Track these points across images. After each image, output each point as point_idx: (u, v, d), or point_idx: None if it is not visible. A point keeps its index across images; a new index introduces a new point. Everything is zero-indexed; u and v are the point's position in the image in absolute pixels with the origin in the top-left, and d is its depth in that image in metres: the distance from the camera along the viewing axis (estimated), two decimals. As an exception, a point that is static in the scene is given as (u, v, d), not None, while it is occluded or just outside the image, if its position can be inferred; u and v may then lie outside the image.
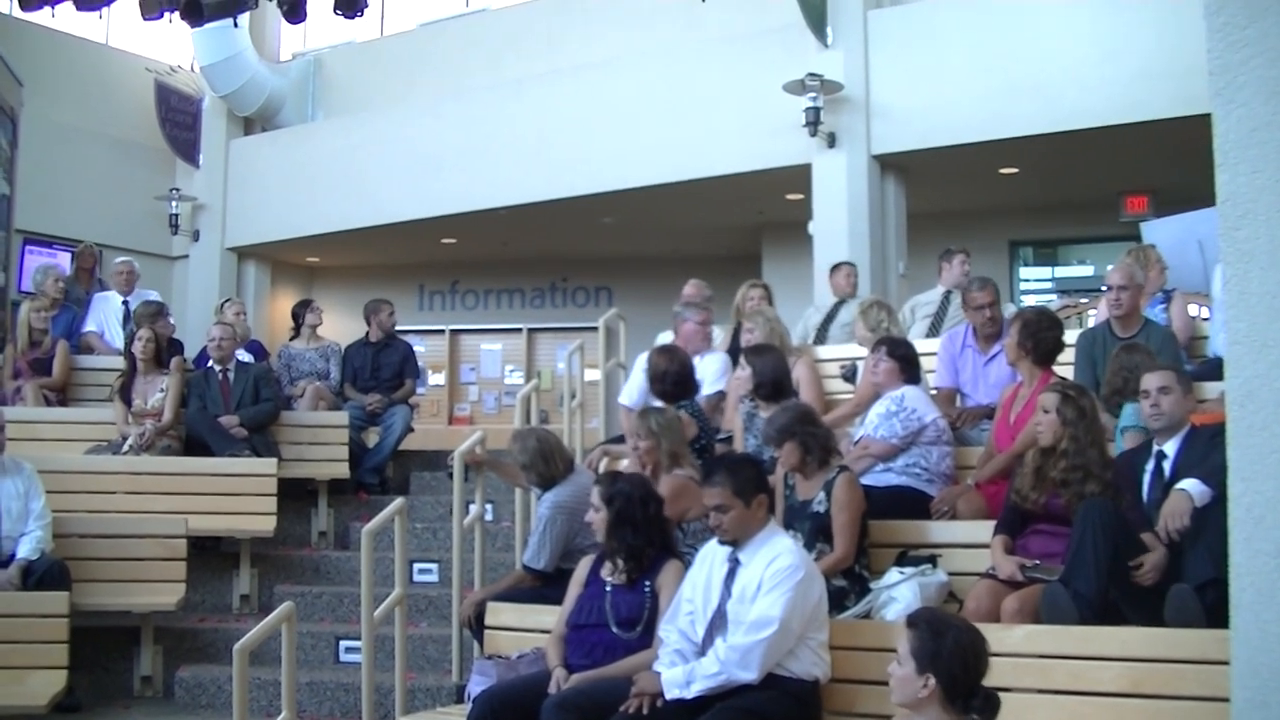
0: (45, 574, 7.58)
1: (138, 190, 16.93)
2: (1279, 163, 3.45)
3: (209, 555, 9.33)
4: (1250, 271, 3.50)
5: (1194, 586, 5.01)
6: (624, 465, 7.49)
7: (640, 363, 8.47)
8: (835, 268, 11.15)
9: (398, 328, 11.88)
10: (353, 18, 10.64)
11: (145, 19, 10.65)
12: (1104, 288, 8.14)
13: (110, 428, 9.93)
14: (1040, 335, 6.95)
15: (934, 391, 7.86)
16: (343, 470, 10.34)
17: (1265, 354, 3.46)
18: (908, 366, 7.26)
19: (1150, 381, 5.86)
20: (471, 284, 19.92)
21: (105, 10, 10.94)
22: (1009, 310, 8.57)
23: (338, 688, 7.79)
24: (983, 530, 6.15)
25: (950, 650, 3.93)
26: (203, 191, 17.53)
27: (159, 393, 9.86)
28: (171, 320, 11.57)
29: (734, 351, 8.98)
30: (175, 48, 17.42)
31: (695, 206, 15.23)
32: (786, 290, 12.37)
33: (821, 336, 10.36)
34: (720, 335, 9.61)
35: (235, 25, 12.27)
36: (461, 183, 15.29)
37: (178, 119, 17.46)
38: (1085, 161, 12.99)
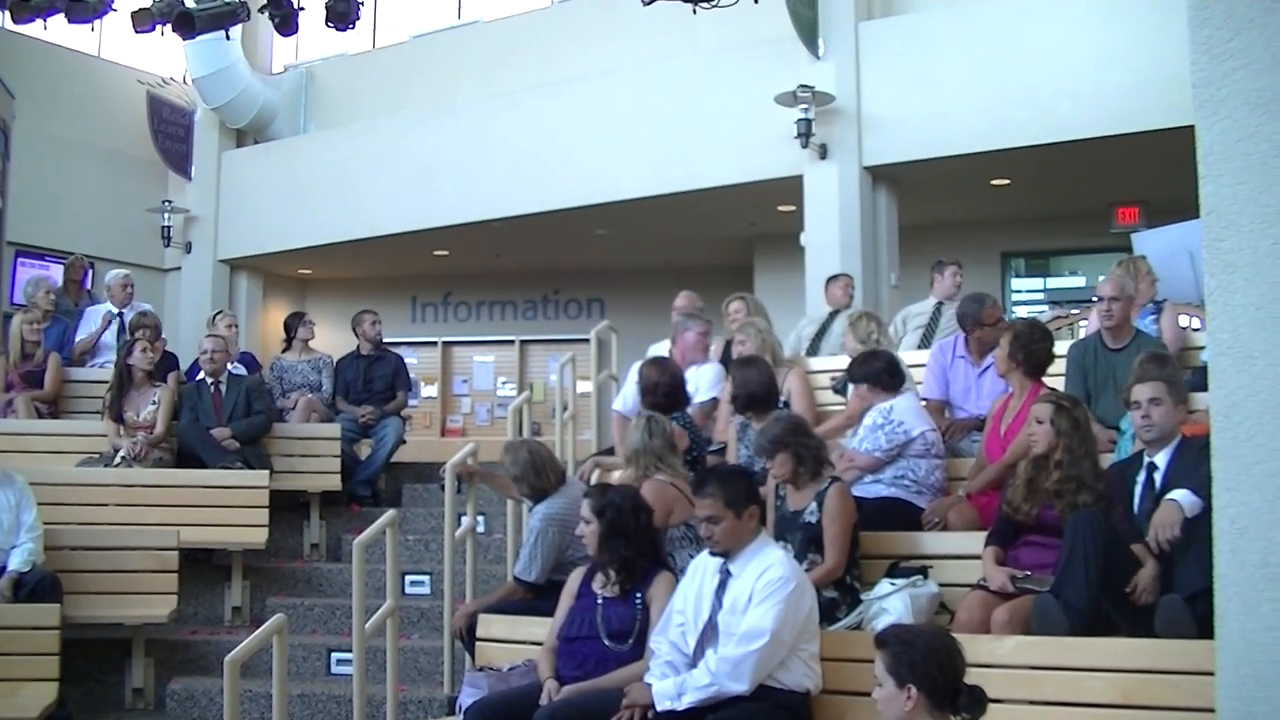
0: (36, 586, 7.57)
1: (130, 202, 16.90)
2: (1262, 174, 3.46)
3: (201, 567, 9.33)
4: (1234, 283, 3.51)
5: (1185, 597, 5.02)
6: (616, 477, 7.50)
7: (634, 375, 8.49)
8: (832, 279, 11.17)
9: (390, 340, 11.85)
10: (344, 30, 10.66)
11: (137, 31, 10.65)
12: (1095, 299, 8.14)
13: (102, 440, 9.92)
14: (1032, 347, 6.97)
15: (923, 403, 7.86)
16: (335, 482, 10.32)
17: (1249, 365, 3.46)
18: (874, 384, 7.27)
19: (1140, 393, 5.86)
20: (464, 296, 19.93)
21: (97, 22, 10.96)
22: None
23: (329, 700, 7.80)
24: (974, 541, 6.16)
25: (923, 655, 3.98)
26: (195, 203, 17.51)
27: (150, 404, 9.85)
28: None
29: (726, 363, 9.02)
30: (167, 60, 17.39)
31: (687, 218, 15.25)
32: (778, 301, 12.39)
33: (815, 348, 10.37)
34: (712, 346, 9.64)
35: (227, 38, 12.25)
36: (454, 195, 15.30)
37: (170, 131, 17.43)
38: (1077, 173, 13.03)
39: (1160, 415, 5.78)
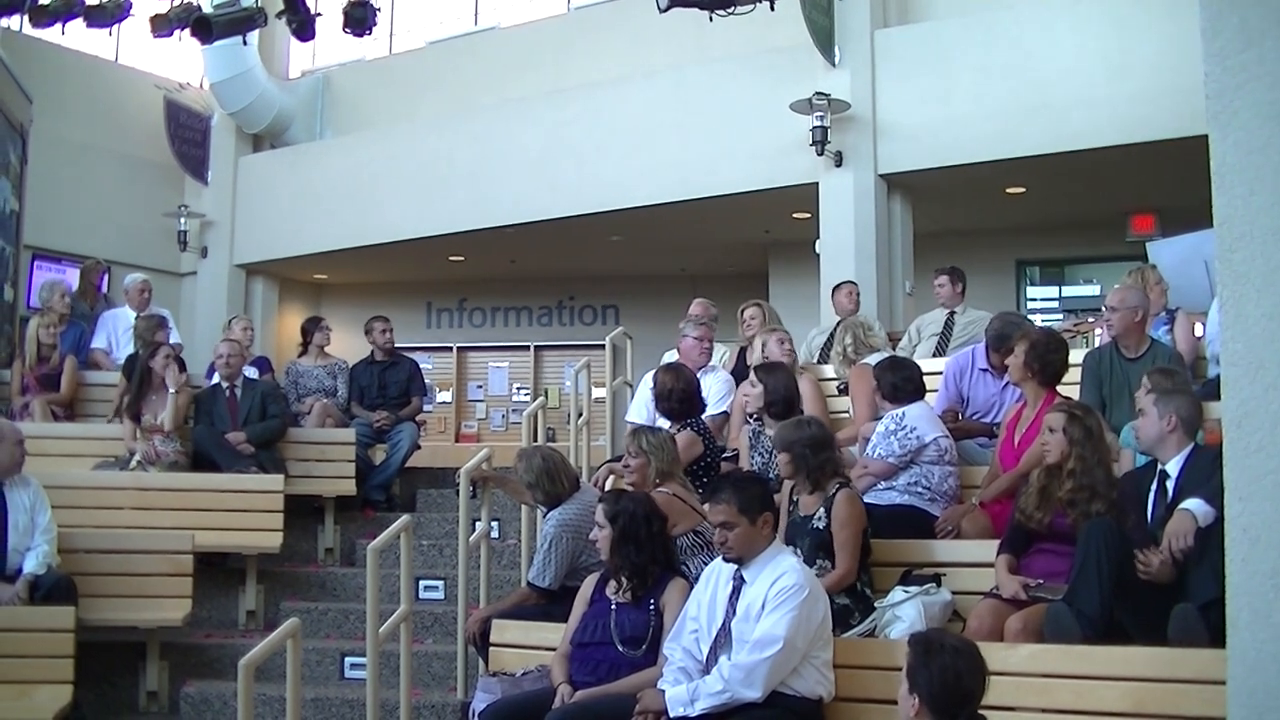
0: (52, 588, 7.56)
1: (146, 207, 16.98)
2: (1275, 185, 3.47)
3: (215, 571, 9.33)
4: (1246, 293, 3.52)
5: (1198, 606, 5.01)
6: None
7: (647, 380, 8.49)
8: (837, 287, 11.19)
9: (405, 345, 11.84)
10: (361, 35, 10.73)
11: (155, 36, 10.75)
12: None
13: (117, 443, 9.95)
14: (1048, 358, 6.96)
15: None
16: (349, 487, 10.33)
17: (1261, 375, 3.47)
18: (897, 394, 7.28)
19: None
20: (479, 302, 19.99)
21: (115, 27, 11.02)
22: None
23: (343, 704, 7.80)
24: (987, 549, 6.17)
25: (933, 671, 4.02)
26: (211, 208, 17.59)
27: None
28: (171, 329, 11.57)
29: (738, 373, 9.02)
30: (185, 65, 17.48)
31: (702, 225, 15.26)
32: (793, 309, 12.41)
33: (825, 356, 10.36)
34: (725, 354, 9.64)
35: (245, 43, 12.37)
36: (469, 201, 15.34)
37: (187, 136, 17.48)
38: (1092, 181, 13.01)
39: (1141, 426, 5.80)
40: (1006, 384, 7.88)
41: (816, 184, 12.95)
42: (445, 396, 19.48)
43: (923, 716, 4.03)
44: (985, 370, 8.13)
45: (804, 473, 6.33)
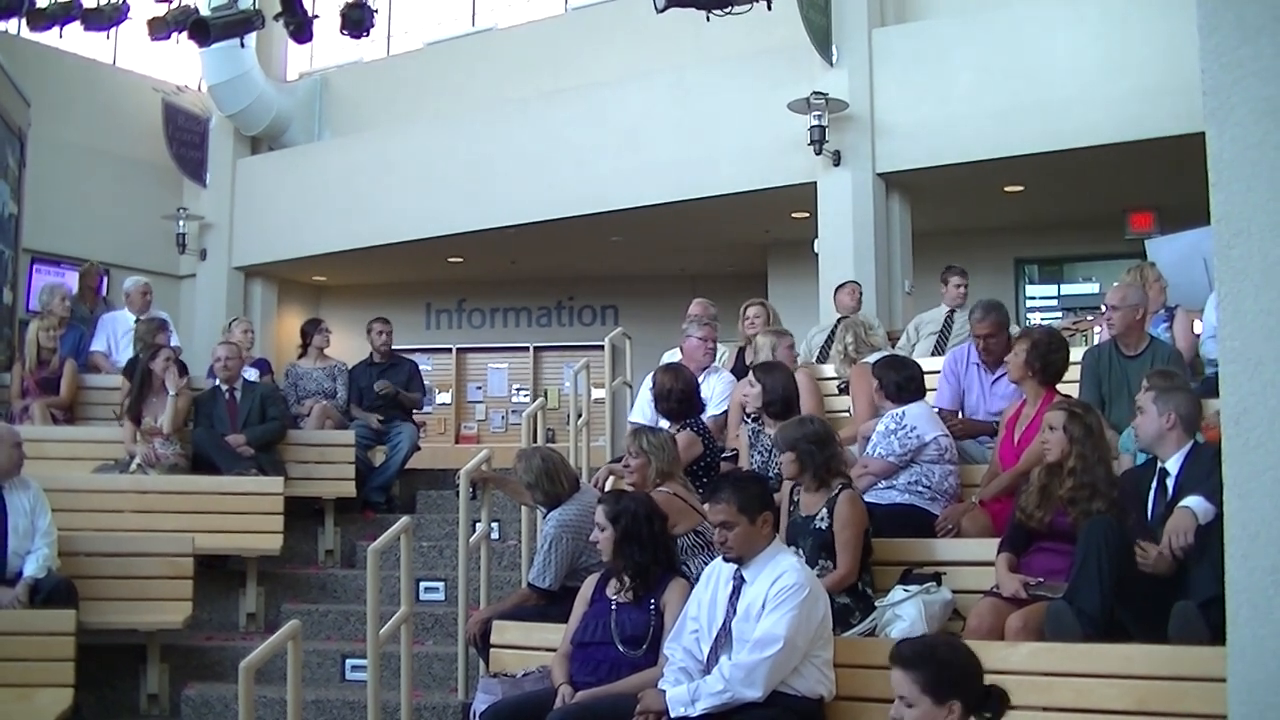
0: (52, 592, 7.56)
1: (145, 209, 16.98)
2: (1272, 181, 3.47)
3: (215, 574, 9.32)
4: (1244, 289, 3.52)
5: (1199, 603, 5.01)
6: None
7: (648, 381, 8.49)
8: (840, 286, 11.18)
9: (405, 346, 11.83)
10: (359, 37, 10.74)
11: (153, 39, 10.74)
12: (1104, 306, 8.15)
13: (117, 446, 9.94)
14: (1049, 357, 6.96)
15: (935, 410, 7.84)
16: (349, 489, 10.32)
17: (1260, 372, 3.47)
18: (900, 393, 7.27)
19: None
20: (478, 303, 19.99)
21: (113, 30, 11.02)
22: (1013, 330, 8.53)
23: (343, 706, 7.79)
24: (987, 548, 6.16)
25: (961, 670, 3.94)
26: (210, 210, 17.58)
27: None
28: (172, 332, 11.56)
29: (737, 372, 9.02)
30: (183, 67, 17.48)
31: (701, 225, 15.26)
32: (792, 308, 12.40)
33: (825, 355, 10.36)
34: (724, 354, 9.62)
35: (242, 45, 12.36)
36: (468, 202, 15.34)
37: (185, 138, 17.49)
38: (1090, 179, 13.01)
39: (1140, 424, 5.80)
40: (998, 378, 7.90)
41: (815, 183, 12.95)
42: (445, 398, 19.50)
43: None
44: (978, 364, 8.14)
45: (810, 470, 6.33)
